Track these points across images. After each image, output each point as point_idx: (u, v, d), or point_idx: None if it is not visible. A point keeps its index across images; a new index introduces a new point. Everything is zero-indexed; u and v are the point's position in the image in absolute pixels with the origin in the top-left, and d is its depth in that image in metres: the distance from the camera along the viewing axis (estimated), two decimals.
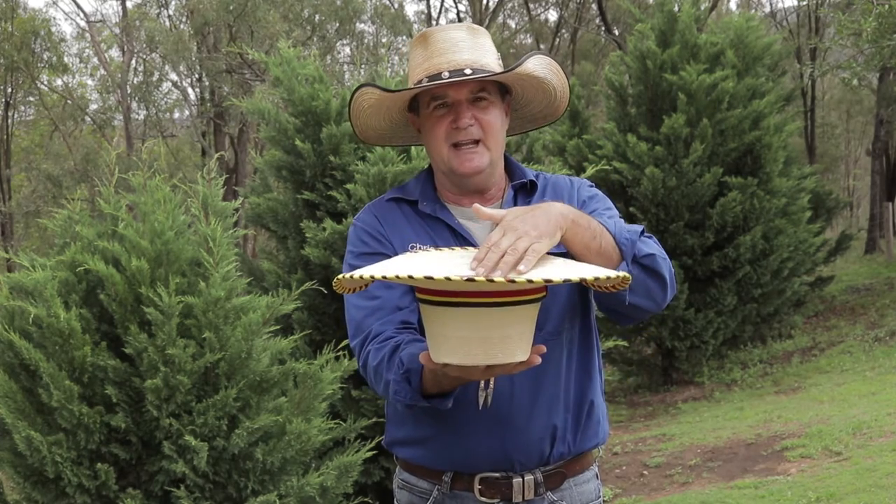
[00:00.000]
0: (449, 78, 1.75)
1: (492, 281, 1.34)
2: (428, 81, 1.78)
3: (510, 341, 1.45)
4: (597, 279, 1.41)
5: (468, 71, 1.76)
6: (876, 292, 12.79)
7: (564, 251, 1.62)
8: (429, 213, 1.86)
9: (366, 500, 4.12)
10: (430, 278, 1.34)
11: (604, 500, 1.98)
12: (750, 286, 9.49)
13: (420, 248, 1.77)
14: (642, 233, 1.71)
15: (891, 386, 7.52)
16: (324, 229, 4.50)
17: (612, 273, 1.44)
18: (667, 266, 1.72)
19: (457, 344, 1.45)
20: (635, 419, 8.59)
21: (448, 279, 1.34)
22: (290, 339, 3.66)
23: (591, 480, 1.89)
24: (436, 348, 1.49)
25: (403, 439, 1.87)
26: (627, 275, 1.48)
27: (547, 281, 1.36)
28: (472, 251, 1.50)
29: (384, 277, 1.41)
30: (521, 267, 1.39)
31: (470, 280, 1.34)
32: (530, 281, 1.35)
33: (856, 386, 7.89)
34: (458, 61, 1.78)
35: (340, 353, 3.75)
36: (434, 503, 1.83)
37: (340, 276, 1.47)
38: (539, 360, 1.50)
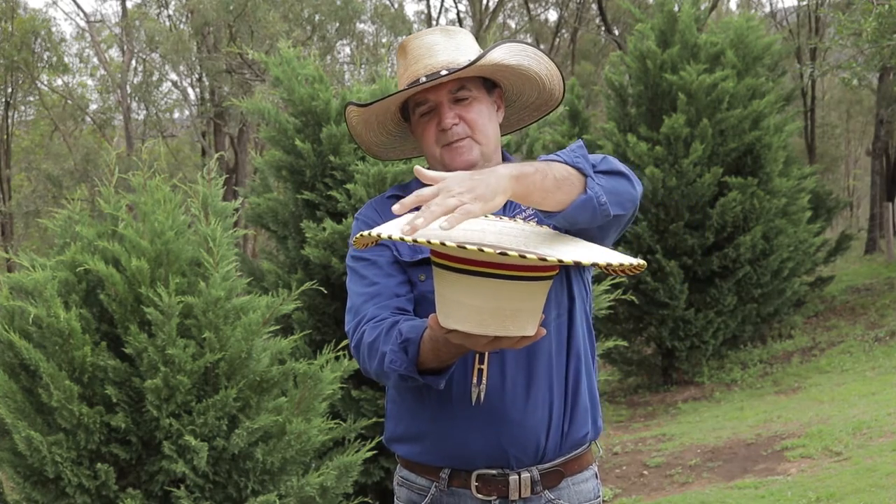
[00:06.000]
0: (425, 82, 1.78)
1: (524, 257, 1.34)
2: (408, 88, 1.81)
3: (522, 315, 1.47)
4: (621, 265, 1.47)
5: (444, 72, 1.79)
6: (876, 292, 12.79)
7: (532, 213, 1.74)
8: None
9: (366, 500, 4.12)
10: (463, 247, 1.35)
11: (603, 500, 1.97)
12: (750, 286, 9.49)
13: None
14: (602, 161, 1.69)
15: (891, 386, 7.52)
16: (324, 229, 4.50)
17: (634, 261, 1.49)
18: (621, 164, 1.71)
19: (471, 312, 1.46)
20: (635, 419, 8.58)
21: (481, 250, 1.35)
22: (290, 339, 3.66)
23: (589, 480, 1.89)
24: (447, 314, 1.49)
25: (402, 435, 1.88)
26: (643, 262, 1.49)
27: (577, 263, 1.40)
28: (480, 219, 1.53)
29: (415, 241, 1.39)
30: (443, 223, 1.35)
31: (503, 254, 1.34)
32: (561, 261, 1.37)
33: (856, 386, 7.89)
34: (433, 64, 1.81)
35: (340, 353, 3.75)
36: (432, 500, 1.84)
37: (363, 233, 1.47)
38: (544, 331, 1.52)
